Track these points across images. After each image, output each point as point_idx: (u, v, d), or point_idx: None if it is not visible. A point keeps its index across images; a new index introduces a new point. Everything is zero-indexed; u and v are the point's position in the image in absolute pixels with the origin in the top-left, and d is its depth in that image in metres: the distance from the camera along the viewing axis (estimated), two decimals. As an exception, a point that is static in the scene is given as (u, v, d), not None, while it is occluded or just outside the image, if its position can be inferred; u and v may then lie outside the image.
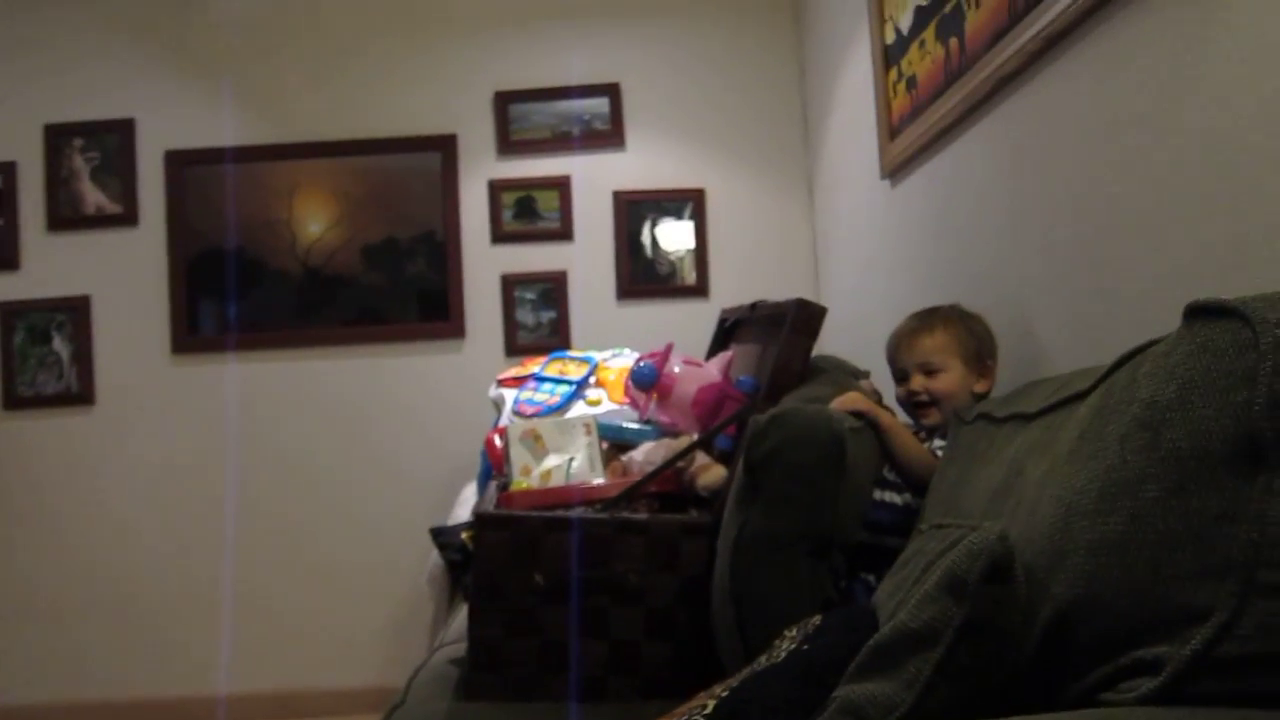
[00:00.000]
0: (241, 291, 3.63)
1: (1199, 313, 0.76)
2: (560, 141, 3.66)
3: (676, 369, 2.09)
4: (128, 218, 3.60)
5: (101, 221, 3.60)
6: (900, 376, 1.89)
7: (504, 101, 3.66)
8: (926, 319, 1.87)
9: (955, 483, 1.39)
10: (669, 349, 2.16)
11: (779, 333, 1.90)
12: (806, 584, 1.51)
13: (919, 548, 1.03)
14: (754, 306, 2.28)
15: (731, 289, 3.58)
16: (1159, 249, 1.41)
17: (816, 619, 1.21)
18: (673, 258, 3.68)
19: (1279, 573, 0.65)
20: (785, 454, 1.51)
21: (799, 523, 1.51)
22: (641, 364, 2.13)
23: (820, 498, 1.51)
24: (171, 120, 3.63)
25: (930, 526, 1.09)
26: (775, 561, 1.51)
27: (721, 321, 2.64)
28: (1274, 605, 0.65)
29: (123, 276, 3.60)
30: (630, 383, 2.16)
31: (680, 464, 1.94)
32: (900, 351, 1.87)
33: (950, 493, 1.39)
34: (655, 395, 2.12)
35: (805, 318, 1.85)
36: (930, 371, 1.81)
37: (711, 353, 2.58)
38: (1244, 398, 0.69)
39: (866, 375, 2.12)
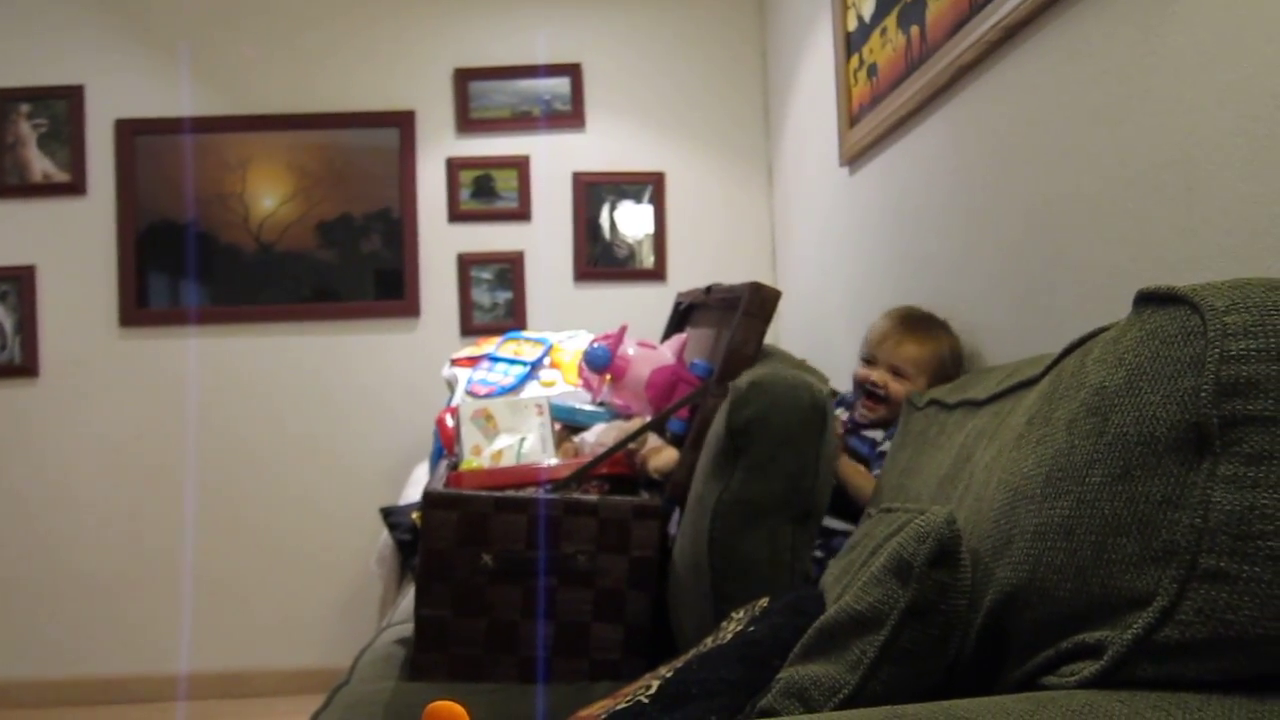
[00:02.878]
0: (194, 265, 3.57)
1: (1148, 300, 0.76)
2: (520, 121, 3.63)
3: (631, 351, 2.09)
4: (76, 187, 3.53)
5: (48, 190, 3.53)
6: (868, 359, 1.93)
7: (464, 79, 3.62)
8: (920, 327, 1.91)
9: (905, 469, 1.39)
10: (623, 331, 2.15)
11: (733, 317, 1.90)
12: (789, 550, 1.51)
13: (867, 530, 1.04)
14: (709, 290, 2.28)
15: (690, 274, 3.57)
16: (1110, 239, 1.42)
17: (764, 601, 1.21)
18: (631, 241, 3.67)
19: (1220, 559, 0.65)
20: (769, 418, 1.50)
21: (783, 488, 1.51)
22: (595, 346, 2.12)
23: (804, 463, 1.51)
24: (122, 88, 3.56)
25: (879, 510, 1.10)
26: (758, 528, 1.50)
27: (677, 305, 2.63)
28: (1214, 591, 0.65)
29: (70, 247, 3.53)
30: (584, 364, 2.16)
31: (632, 446, 1.93)
32: (883, 344, 1.91)
33: (900, 479, 1.40)
34: (609, 377, 2.11)
35: (759, 301, 1.84)
36: (898, 374, 1.87)
37: (667, 336, 2.58)
38: (1191, 384, 0.69)
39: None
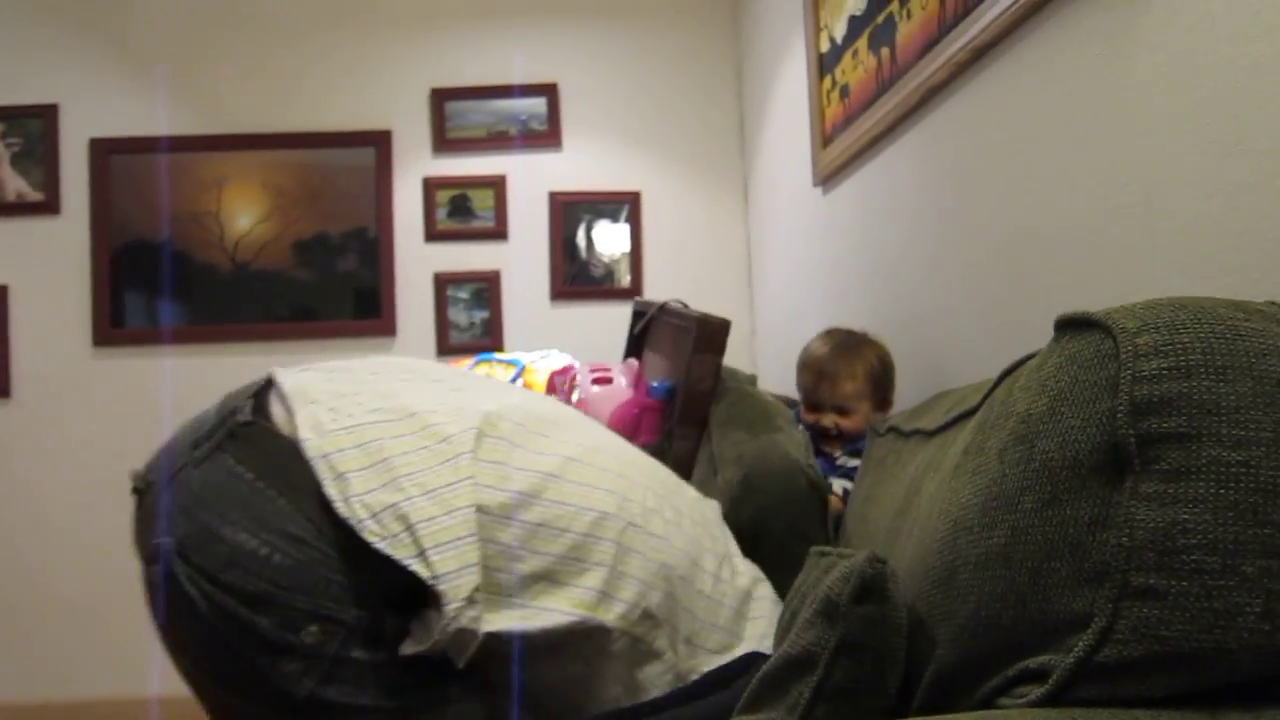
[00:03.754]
0: (169, 285, 3.55)
1: (1067, 326, 0.78)
2: (497, 140, 3.64)
3: (593, 389, 2.09)
4: (49, 206, 3.52)
5: (22, 209, 3.51)
6: (812, 405, 1.97)
7: (440, 99, 3.63)
8: (845, 357, 1.95)
9: (867, 497, 1.40)
10: (572, 375, 2.15)
11: (686, 344, 1.90)
12: None
13: (804, 578, 1.06)
14: (663, 307, 2.27)
15: (666, 292, 3.54)
16: (1073, 258, 1.43)
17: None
18: (608, 260, 3.68)
19: (1149, 575, 0.66)
20: (770, 516, 1.50)
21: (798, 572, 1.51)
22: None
23: (812, 543, 1.51)
24: (97, 107, 3.55)
25: (814, 553, 1.12)
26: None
27: (637, 314, 2.62)
28: (1146, 609, 0.66)
29: (43, 266, 3.51)
30: None
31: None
32: (820, 388, 1.96)
33: (862, 507, 1.40)
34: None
35: (708, 336, 1.84)
36: (843, 411, 1.92)
37: (628, 351, 2.57)
38: (1107, 406, 0.70)
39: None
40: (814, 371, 1.97)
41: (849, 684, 0.84)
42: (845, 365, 1.93)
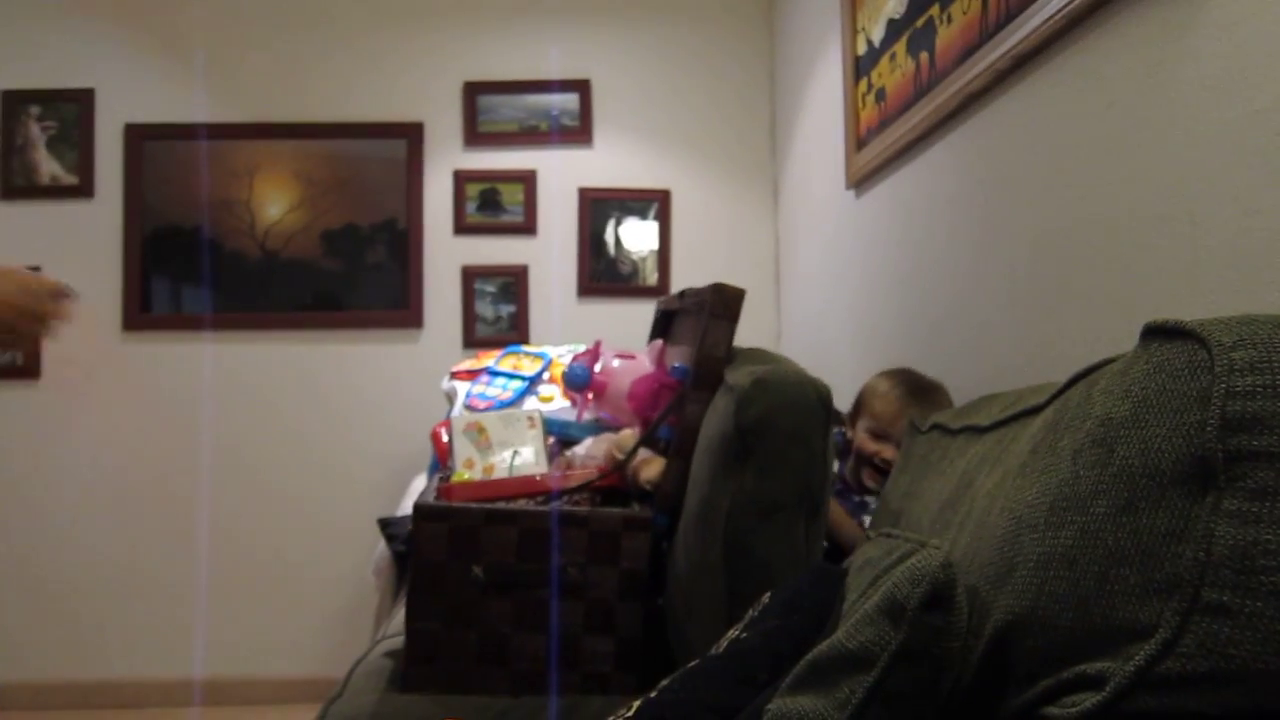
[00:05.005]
0: (199, 272, 3.57)
1: (1156, 333, 0.77)
2: (528, 135, 3.64)
3: (614, 363, 2.09)
4: (83, 189, 3.54)
5: (56, 192, 3.53)
6: (879, 434, 1.93)
7: (473, 92, 3.64)
8: (927, 400, 1.90)
9: (906, 493, 1.39)
10: (598, 346, 2.16)
11: (704, 315, 1.91)
12: (803, 544, 1.52)
13: (867, 555, 1.04)
14: (682, 295, 2.28)
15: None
16: (1114, 269, 1.43)
17: (766, 597, 1.21)
18: (635, 258, 3.68)
19: (1223, 593, 0.65)
20: (777, 416, 1.51)
21: (795, 483, 1.51)
22: (573, 365, 2.12)
23: (813, 457, 1.52)
24: (132, 93, 3.57)
25: (878, 534, 1.10)
26: (773, 525, 1.51)
27: (661, 314, 2.63)
28: (1216, 625, 0.65)
29: (75, 249, 3.53)
30: (565, 385, 2.16)
31: (620, 457, 1.93)
32: (890, 418, 1.91)
33: (901, 502, 1.39)
34: (591, 394, 2.12)
35: (723, 302, 1.84)
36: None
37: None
38: (1197, 419, 0.69)
39: None
40: (892, 407, 1.92)
41: (904, 688, 0.82)
42: (923, 407, 1.87)
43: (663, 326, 2.57)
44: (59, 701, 3.46)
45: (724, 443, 1.55)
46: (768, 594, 1.21)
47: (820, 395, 1.54)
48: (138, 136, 3.55)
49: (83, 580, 3.51)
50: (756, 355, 1.89)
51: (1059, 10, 1.52)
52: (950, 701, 0.85)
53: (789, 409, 1.51)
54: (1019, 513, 0.83)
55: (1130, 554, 0.70)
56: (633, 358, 2.13)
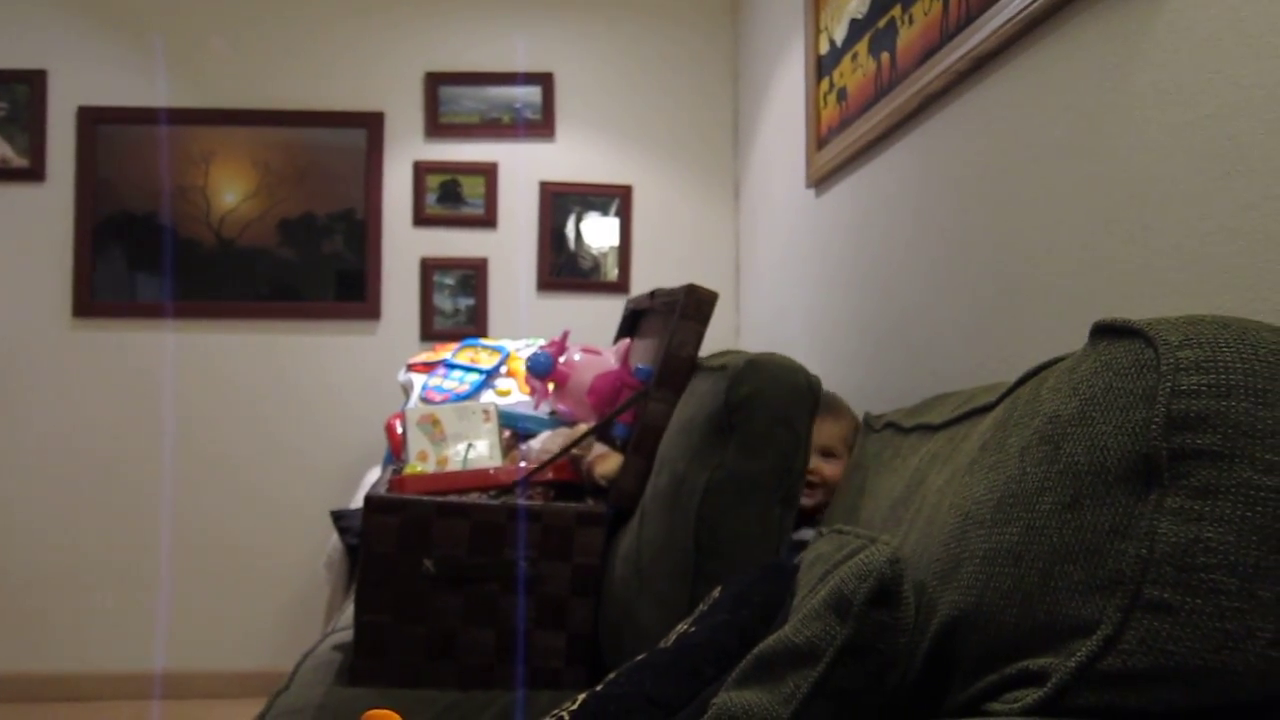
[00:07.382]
0: (152, 258, 3.51)
1: (1105, 332, 0.77)
2: (490, 128, 3.62)
3: (576, 357, 2.08)
4: (34, 173, 3.47)
5: (6, 175, 3.47)
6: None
7: (435, 83, 3.61)
8: (833, 406, 1.91)
9: (859, 490, 1.40)
10: (565, 337, 2.15)
11: (673, 314, 1.91)
12: (777, 530, 1.53)
13: (818, 551, 1.04)
14: (653, 295, 2.28)
15: (653, 288, 3.57)
16: (1068, 271, 1.44)
17: (716, 591, 1.20)
18: (596, 253, 3.67)
19: (1164, 590, 0.66)
20: (767, 395, 1.53)
21: (775, 466, 1.53)
22: (538, 353, 2.11)
23: (797, 440, 1.54)
24: (86, 75, 3.51)
25: (830, 530, 1.10)
26: (749, 505, 1.52)
27: (629, 313, 2.63)
28: (1156, 622, 0.66)
29: (25, 234, 3.47)
30: (527, 372, 2.15)
31: (577, 452, 1.92)
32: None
33: (853, 499, 1.40)
34: (553, 384, 2.11)
35: (695, 304, 1.85)
36: (827, 455, 1.86)
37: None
38: (1142, 417, 0.70)
39: None
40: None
41: (849, 683, 0.82)
42: (831, 411, 1.87)
43: (630, 325, 2.57)
44: (9, 694, 3.40)
45: (709, 420, 1.57)
46: (718, 589, 1.21)
47: (810, 382, 1.57)
48: (91, 120, 3.49)
49: (32, 571, 3.44)
50: (734, 353, 1.90)
51: (1018, 13, 1.53)
52: (896, 696, 0.85)
53: (780, 389, 1.54)
54: (967, 509, 0.83)
55: (1074, 550, 0.71)
56: (599, 353, 2.13)
